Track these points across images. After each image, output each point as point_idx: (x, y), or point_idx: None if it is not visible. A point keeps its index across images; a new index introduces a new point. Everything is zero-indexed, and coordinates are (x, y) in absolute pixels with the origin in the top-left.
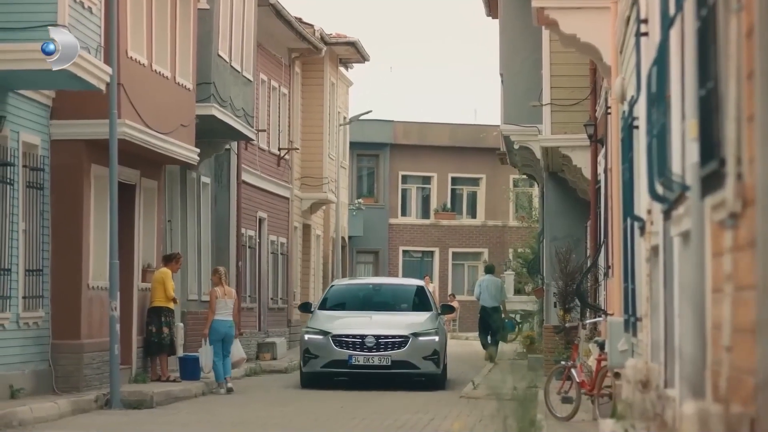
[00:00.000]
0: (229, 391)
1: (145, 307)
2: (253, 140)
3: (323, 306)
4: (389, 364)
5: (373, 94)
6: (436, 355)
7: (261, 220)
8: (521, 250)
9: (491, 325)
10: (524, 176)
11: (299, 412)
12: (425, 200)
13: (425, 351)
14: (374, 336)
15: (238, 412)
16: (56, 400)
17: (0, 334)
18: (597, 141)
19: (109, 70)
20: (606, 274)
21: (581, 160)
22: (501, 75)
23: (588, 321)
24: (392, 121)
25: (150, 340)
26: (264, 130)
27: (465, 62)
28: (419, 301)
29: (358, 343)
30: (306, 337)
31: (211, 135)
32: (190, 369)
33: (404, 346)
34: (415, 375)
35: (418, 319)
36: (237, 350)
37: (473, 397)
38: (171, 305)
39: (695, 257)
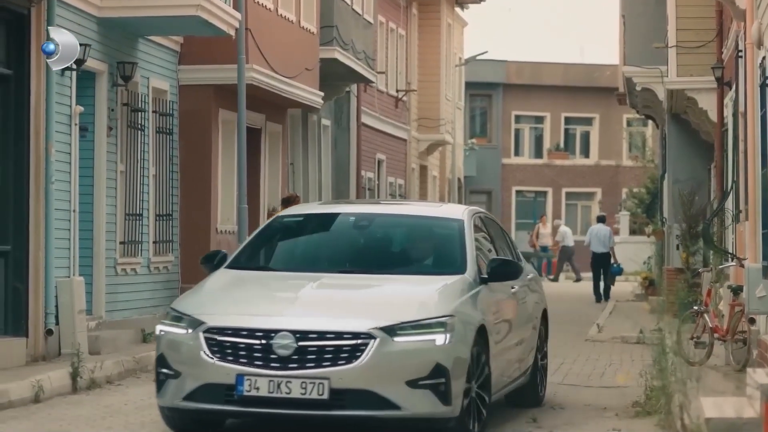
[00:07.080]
0: None
1: None
2: (373, 83)
3: (240, 260)
4: (325, 396)
5: (484, 34)
6: (440, 377)
7: (380, 162)
8: (636, 190)
9: (601, 269)
10: (640, 117)
11: None
12: (538, 140)
13: (414, 368)
14: (293, 332)
15: None
16: None
17: (132, 278)
18: (724, 84)
19: (238, 15)
20: (736, 218)
21: (707, 103)
22: (622, 16)
23: (725, 266)
24: (505, 60)
25: None
26: (382, 72)
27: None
28: (449, 252)
29: (258, 346)
30: (160, 330)
31: (333, 78)
32: None
33: (360, 357)
34: (390, 421)
35: (417, 291)
36: None
37: (598, 341)
38: None
39: None
